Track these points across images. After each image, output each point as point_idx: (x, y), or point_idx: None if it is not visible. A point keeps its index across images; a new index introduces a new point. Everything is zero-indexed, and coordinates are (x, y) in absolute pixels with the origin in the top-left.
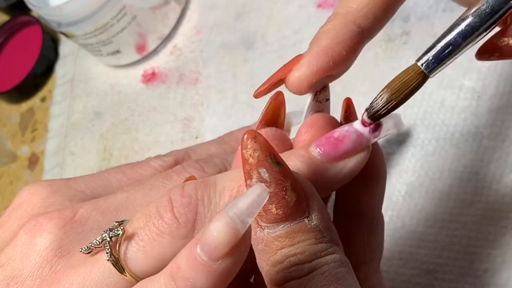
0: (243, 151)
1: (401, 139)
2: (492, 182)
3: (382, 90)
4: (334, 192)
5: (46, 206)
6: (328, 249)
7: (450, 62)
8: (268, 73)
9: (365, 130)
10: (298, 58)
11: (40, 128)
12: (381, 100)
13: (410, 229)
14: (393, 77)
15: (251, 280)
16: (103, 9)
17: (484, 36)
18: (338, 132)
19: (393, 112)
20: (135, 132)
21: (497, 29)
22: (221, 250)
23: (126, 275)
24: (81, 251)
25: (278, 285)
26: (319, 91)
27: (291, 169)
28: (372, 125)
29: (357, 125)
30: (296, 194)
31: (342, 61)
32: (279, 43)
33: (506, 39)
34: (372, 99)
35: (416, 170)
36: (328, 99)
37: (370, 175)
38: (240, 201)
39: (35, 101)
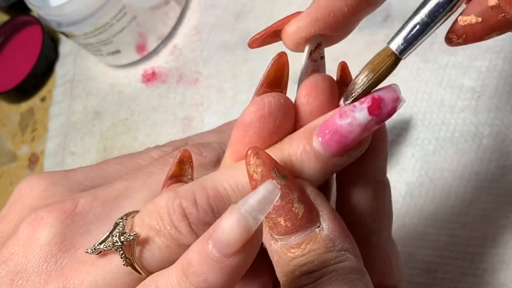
0: (247, 167)
1: (401, 139)
2: (492, 182)
3: (358, 73)
4: None
5: (46, 198)
6: (339, 258)
7: (421, 43)
8: None
9: (369, 120)
10: (297, 13)
11: (40, 128)
12: (355, 85)
13: (410, 229)
14: (367, 61)
15: None
16: (103, 9)
17: (451, 14)
18: (341, 126)
19: (392, 85)
20: (135, 132)
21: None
22: (233, 247)
23: (142, 275)
24: (87, 252)
25: None
26: (314, 49)
27: (297, 164)
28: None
29: (359, 116)
30: (304, 205)
31: (342, 18)
32: (279, 43)
33: (466, 18)
34: (349, 84)
35: (416, 170)
36: (323, 57)
37: (372, 139)
38: (251, 197)
39: (35, 101)
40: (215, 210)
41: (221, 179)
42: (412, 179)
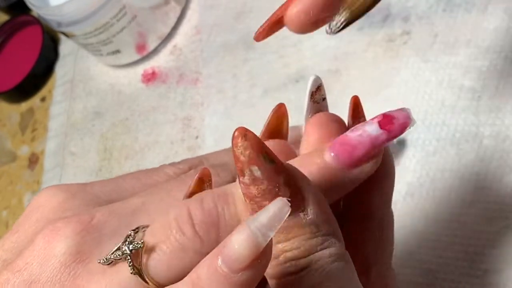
0: (234, 149)
1: (402, 139)
2: (492, 182)
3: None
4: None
5: (63, 210)
6: (324, 243)
7: None
8: (268, 73)
9: (380, 133)
10: None
11: (40, 128)
12: (339, 15)
13: (410, 229)
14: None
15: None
16: (103, 8)
17: None
18: (351, 137)
19: (404, 107)
20: (135, 132)
21: None
22: (242, 263)
23: (149, 284)
24: (99, 262)
25: (275, 279)
26: (315, 91)
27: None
28: (386, 123)
29: (370, 128)
30: (290, 189)
31: None
32: (279, 43)
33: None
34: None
35: (417, 170)
36: (324, 98)
37: (379, 172)
38: (261, 214)
39: (35, 101)
40: (220, 209)
41: (230, 185)
42: (413, 179)
